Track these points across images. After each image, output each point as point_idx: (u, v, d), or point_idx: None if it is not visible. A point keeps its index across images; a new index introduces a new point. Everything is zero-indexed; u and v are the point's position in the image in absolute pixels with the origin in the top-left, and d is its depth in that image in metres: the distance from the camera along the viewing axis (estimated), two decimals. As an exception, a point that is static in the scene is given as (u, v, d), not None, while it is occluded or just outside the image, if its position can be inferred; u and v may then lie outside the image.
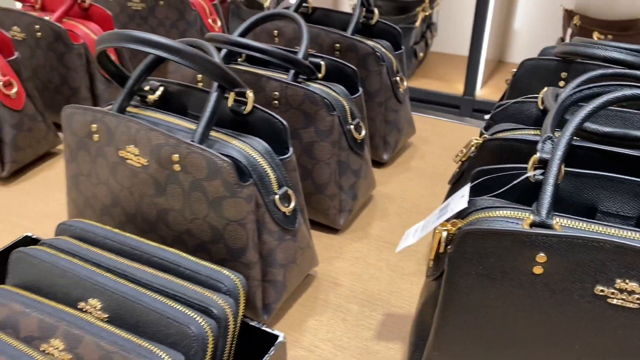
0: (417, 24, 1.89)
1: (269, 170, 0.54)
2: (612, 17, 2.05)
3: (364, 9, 0.85)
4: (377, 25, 0.87)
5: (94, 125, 0.56)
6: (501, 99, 0.81)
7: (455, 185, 0.64)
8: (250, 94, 0.56)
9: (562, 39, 2.04)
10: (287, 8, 0.96)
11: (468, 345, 0.45)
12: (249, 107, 0.57)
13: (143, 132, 0.53)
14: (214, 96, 0.54)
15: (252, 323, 0.50)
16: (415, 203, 0.79)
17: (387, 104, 0.83)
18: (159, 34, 1.10)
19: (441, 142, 0.95)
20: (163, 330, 0.43)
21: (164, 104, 0.62)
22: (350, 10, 0.88)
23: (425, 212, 0.77)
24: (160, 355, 0.40)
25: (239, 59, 0.76)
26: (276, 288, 0.56)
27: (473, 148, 0.59)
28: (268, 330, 0.49)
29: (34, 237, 0.60)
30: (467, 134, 0.97)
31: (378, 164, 0.86)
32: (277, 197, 0.54)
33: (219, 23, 1.12)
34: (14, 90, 0.80)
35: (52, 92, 0.93)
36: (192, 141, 0.51)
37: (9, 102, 0.80)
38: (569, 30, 2.13)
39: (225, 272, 0.48)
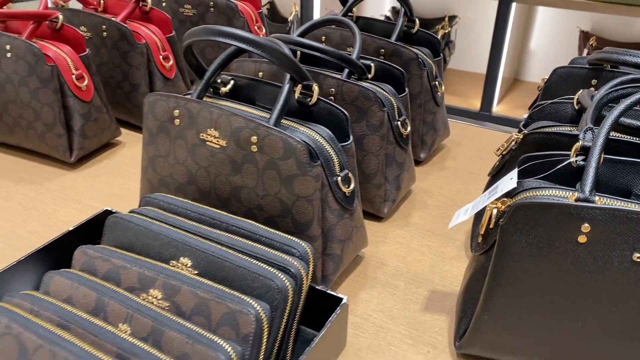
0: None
1: (332, 154, 0.60)
2: (628, 39, 2.11)
3: (406, 18, 0.92)
4: (418, 34, 0.94)
5: (177, 111, 0.63)
6: (532, 105, 0.88)
7: (495, 176, 0.70)
8: (315, 87, 0.63)
9: None
10: (334, 16, 1.03)
11: (515, 308, 0.50)
12: (314, 99, 0.63)
13: (224, 117, 0.60)
14: (286, 87, 0.60)
15: (318, 287, 0.56)
16: (451, 197, 0.85)
17: (426, 106, 0.90)
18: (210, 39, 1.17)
19: (472, 145, 1.01)
20: (249, 283, 0.49)
21: (233, 96, 0.69)
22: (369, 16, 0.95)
23: (461, 205, 0.82)
24: (251, 303, 0.46)
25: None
26: (334, 261, 0.62)
27: (514, 142, 0.66)
28: (333, 293, 0.55)
29: (113, 211, 0.67)
30: (494, 138, 1.03)
31: (415, 162, 0.93)
32: (339, 178, 0.60)
33: (263, 30, 1.19)
34: (85, 83, 0.88)
35: (114, 88, 1.00)
36: (269, 125, 0.58)
37: (80, 94, 0.87)
38: (585, 51, 2.19)
39: (297, 240, 0.54)
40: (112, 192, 0.84)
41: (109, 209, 0.67)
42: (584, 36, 2.10)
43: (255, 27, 1.18)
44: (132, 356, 0.42)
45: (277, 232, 0.55)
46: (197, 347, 0.43)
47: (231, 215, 0.57)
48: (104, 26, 0.96)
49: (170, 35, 1.01)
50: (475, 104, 2.27)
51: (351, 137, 0.63)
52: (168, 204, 0.59)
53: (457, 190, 0.87)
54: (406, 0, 0.90)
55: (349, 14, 0.96)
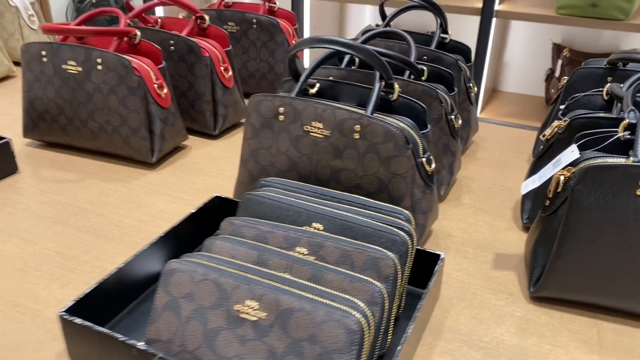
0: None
1: (418, 140, 0.72)
2: (596, 49, 2.30)
3: (442, 30, 1.06)
4: (450, 43, 1.08)
5: (282, 108, 0.75)
6: (554, 101, 1.02)
7: (540, 158, 0.83)
8: (396, 85, 0.75)
9: (552, 70, 2.28)
10: (371, 30, 1.16)
11: (584, 253, 0.63)
12: (395, 95, 0.76)
13: (329, 111, 0.71)
14: (377, 85, 0.73)
15: (418, 247, 0.68)
16: (492, 182, 0.98)
17: (463, 105, 1.03)
18: (251, 52, 1.30)
19: (495, 139, 1.15)
20: (376, 240, 0.61)
21: (319, 96, 0.81)
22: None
23: (502, 188, 0.96)
24: (387, 252, 0.57)
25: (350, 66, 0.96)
26: (419, 229, 0.74)
27: (557, 129, 0.79)
28: (431, 251, 0.67)
29: (222, 196, 0.78)
30: (508, 133, 1.18)
31: (454, 154, 1.06)
32: (424, 159, 0.72)
33: (299, 43, 1.32)
34: (165, 91, 0.98)
35: (179, 97, 1.11)
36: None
37: (160, 101, 0.98)
38: (559, 61, 2.39)
39: (399, 208, 0.66)
40: (195, 186, 0.94)
41: (218, 195, 0.77)
42: (557, 48, 2.27)
43: (293, 41, 1.30)
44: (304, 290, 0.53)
45: (381, 202, 0.67)
46: (354, 284, 0.54)
47: (337, 191, 0.69)
48: (172, 41, 1.07)
49: (228, 49, 1.13)
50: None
51: (429, 126, 0.76)
52: (282, 185, 0.71)
53: (494, 176, 1.00)
54: (442, 13, 1.04)
55: (388, 27, 1.09)
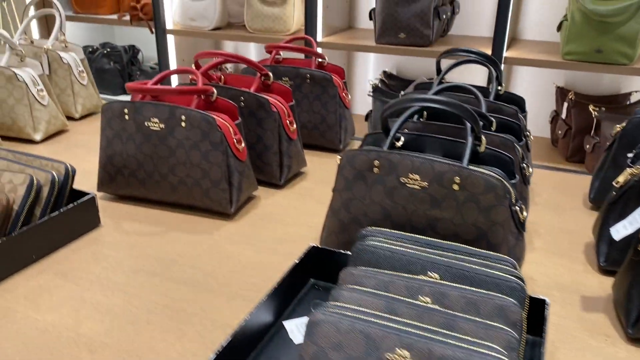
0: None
1: (510, 189, 0.77)
2: (597, 92, 2.39)
3: (498, 83, 1.12)
4: (504, 95, 1.14)
5: (377, 161, 0.79)
6: (609, 148, 1.08)
7: (614, 204, 0.88)
8: (484, 138, 0.80)
9: (557, 112, 2.36)
10: (424, 83, 1.23)
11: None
12: (483, 147, 0.81)
13: (427, 163, 0.76)
14: (470, 138, 0.77)
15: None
16: (559, 226, 1.02)
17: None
18: (303, 105, 1.36)
19: (544, 186, 1.20)
20: (494, 287, 0.64)
21: (405, 148, 0.85)
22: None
23: (571, 230, 1.00)
24: (511, 300, 0.61)
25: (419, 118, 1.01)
26: (513, 275, 0.78)
27: (631, 176, 0.84)
28: (537, 296, 0.70)
29: (319, 246, 0.81)
30: (552, 177, 1.23)
31: (514, 199, 1.10)
32: (517, 208, 0.77)
33: (349, 96, 1.38)
34: (242, 145, 1.03)
35: (247, 149, 1.15)
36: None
37: (239, 155, 1.02)
38: (565, 104, 2.47)
39: (503, 255, 0.70)
40: (276, 235, 0.98)
41: (313, 244, 0.81)
42: (561, 91, 2.36)
43: (343, 93, 1.36)
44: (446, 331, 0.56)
45: (481, 250, 0.71)
46: (489, 331, 0.57)
47: (437, 240, 0.72)
48: (242, 97, 1.12)
49: (292, 103, 1.18)
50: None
51: (517, 177, 0.80)
52: (386, 235, 0.74)
53: (559, 220, 1.04)
54: (499, 67, 1.10)
55: (442, 81, 1.15)
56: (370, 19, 2.27)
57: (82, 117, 1.62)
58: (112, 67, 2.77)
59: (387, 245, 0.70)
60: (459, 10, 2.34)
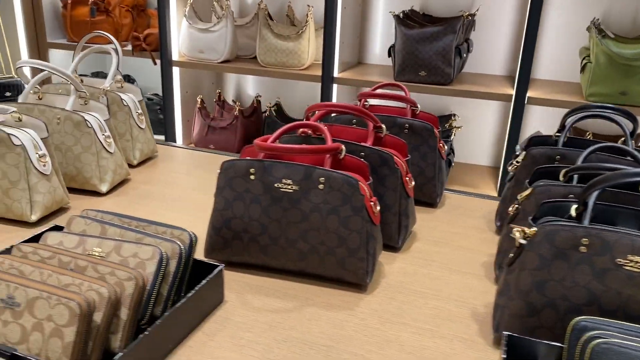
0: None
1: None
2: (610, 132, 2.40)
3: (637, 135, 1.06)
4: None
5: (585, 239, 0.71)
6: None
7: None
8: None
9: None
10: (540, 136, 1.16)
11: None
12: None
13: (652, 244, 0.68)
14: (688, 215, 0.70)
15: None
16: None
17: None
18: (401, 155, 1.25)
19: None
20: None
21: (594, 221, 0.77)
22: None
23: None
24: None
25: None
26: None
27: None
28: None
29: (513, 334, 0.71)
30: None
31: None
32: None
33: (446, 147, 1.30)
34: (378, 209, 0.93)
35: (364, 209, 1.05)
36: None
37: (375, 219, 0.92)
38: None
39: None
40: (423, 311, 0.87)
41: (508, 333, 0.71)
42: (575, 132, 2.36)
43: (440, 144, 1.28)
44: None
45: None
46: None
47: None
48: (363, 152, 1.03)
49: (408, 158, 1.09)
50: (490, 192, 2.42)
51: None
52: (616, 327, 0.65)
53: None
54: (637, 120, 1.05)
55: (558, 133, 1.09)
56: (389, 55, 2.23)
57: (140, 164, 1.50)
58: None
59: (630, 343, 0.61)
60: (472, 49, 2.33)
